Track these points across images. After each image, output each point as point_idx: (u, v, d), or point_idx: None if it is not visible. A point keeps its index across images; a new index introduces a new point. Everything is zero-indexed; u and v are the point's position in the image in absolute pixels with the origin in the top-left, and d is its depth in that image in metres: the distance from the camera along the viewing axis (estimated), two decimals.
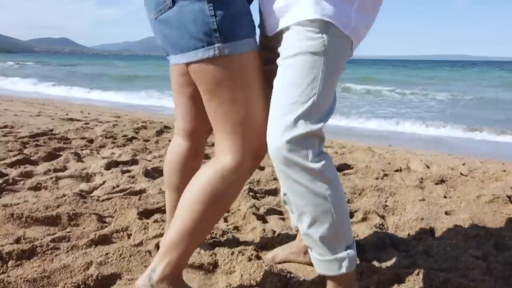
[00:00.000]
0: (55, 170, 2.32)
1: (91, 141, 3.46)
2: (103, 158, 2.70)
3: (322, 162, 0.98)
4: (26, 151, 2.76)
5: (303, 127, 0.96)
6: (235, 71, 1.02)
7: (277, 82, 1.03)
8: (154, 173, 2.44)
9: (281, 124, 0.98)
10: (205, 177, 1.06)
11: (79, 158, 2.62)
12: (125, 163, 2.61)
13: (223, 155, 1.06)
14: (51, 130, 3.85)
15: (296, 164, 0.96)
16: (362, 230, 1.78)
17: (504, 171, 3.41)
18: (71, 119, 4.94)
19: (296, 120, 0.97)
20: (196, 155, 1.35)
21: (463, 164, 3.50)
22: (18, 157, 2.51)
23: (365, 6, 1.06)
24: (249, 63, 1.04)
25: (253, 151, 1.07)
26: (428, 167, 3.26)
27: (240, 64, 1.03)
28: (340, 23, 1.01)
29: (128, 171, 2.40)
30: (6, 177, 2.14)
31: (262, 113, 1.07)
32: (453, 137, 6.36)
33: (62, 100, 9.87)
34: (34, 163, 2.51)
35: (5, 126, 3.90)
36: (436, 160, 3.90)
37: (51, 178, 2.15)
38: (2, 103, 7.50)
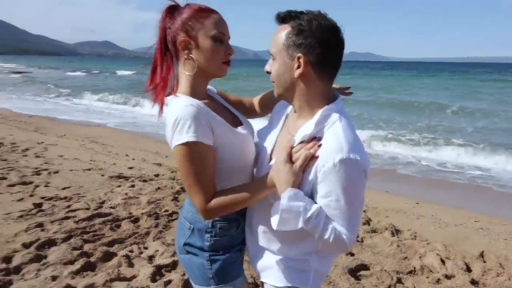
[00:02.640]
0: (111, 280, 2.79)
1: (137, 220, 3.96)
2: (149, 259, 3.16)
3: None
4: (86, 247, 3.28)
5: None
6: None
7: None
8: None
9: None
10: None
11: (129, 262, 3.08)
12: (167, 266, 3.05)
13: None
14: (103, 202, 4.39)
15: None
16: None
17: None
18: (119, 177, 5.49)
19: None
20: None
21: (481, 255, 3.67)
22: (81, 261, 3.01)
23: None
24: None
25: None
26: (443, 262, 3.49)
27: None
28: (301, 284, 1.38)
29: (170, 281, 2.83)
30: None
31: None
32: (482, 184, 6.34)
33: (116, 130, 10.61)
34: (94, 267, 3.00)
35: (65, 197, 4.48)
36: (457, 241, 4.10)
37: None
38: (59, 140, 8.25)
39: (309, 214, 1.19)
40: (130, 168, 6.17)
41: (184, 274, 2.94)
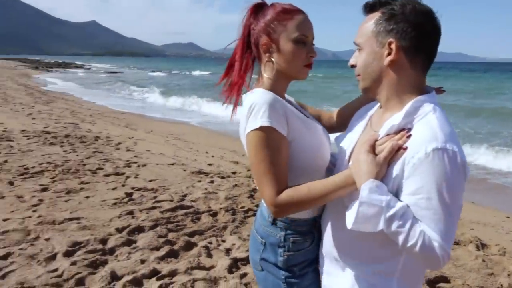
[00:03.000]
0: (192, 268, 3.00)
1: (215, 214, 4.18)
2: (226, 252, 3.33)
3: None
4: (170, 235, 3.55)
5: None
6: None
7: None
8: None
9: None
10: None
11: (208, 252, 3.28)
12: (242, 260, 3.19)
13: None
14: (185, 195, 4.70)
15: None
16: None
17: None
18: (199, 172, 5.81)
19: None
20: None
21: None
22: (166, 248, 3.27)
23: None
24: None
25: None
26: None
27: None
28: None
29: (245, 274, 2.97)
30: (160, 274, 2.89)
31: None
32: None
33: (197, 128, 11.22)
34: (177, 254, 3.25)
35: (152, 189, 4.88)
36: None
37: (189, 280, 2.82)
38: (146, 136, 8.94)
39: (392, 211, 1.01)
40: (210, 164, 6.49)
41: None
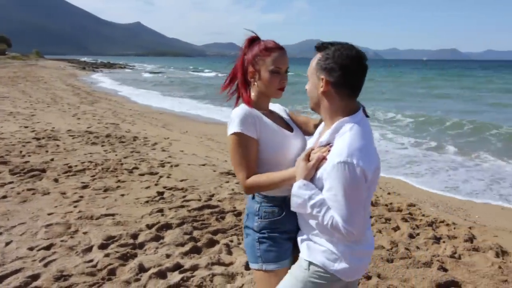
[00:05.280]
0: (213, 264, 3.25)
1: (239, 214, 4.42)
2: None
3: None
4: (195, 233, 3.83)
5: None
6: (269, 278, 1.74)
7: None
8: None
9: None
10: None
11: (228, 250, 3.52)
12: None
13: None
14: (213, 195, 4.97)
15: None
16: None
17: None
18: (228, 173, 6.08)
19: None
20: None
21: None
22: (190, 244, 3.55)
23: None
24: (277, 277, 1.73)
25: None
26: None
27: (270, 276, 1.75)
28: (324, 263, 1.58)
29: None
30: (183, 268, 3.16)
31: None
32: None
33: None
34: (199, 250, 3.51)
35: (182, 188, 5.19)
36: None
37: (209, 275, 3.07)
38: (181, 136, 9.33)
39: (313, 202, 1.53)
40: None
41: None
